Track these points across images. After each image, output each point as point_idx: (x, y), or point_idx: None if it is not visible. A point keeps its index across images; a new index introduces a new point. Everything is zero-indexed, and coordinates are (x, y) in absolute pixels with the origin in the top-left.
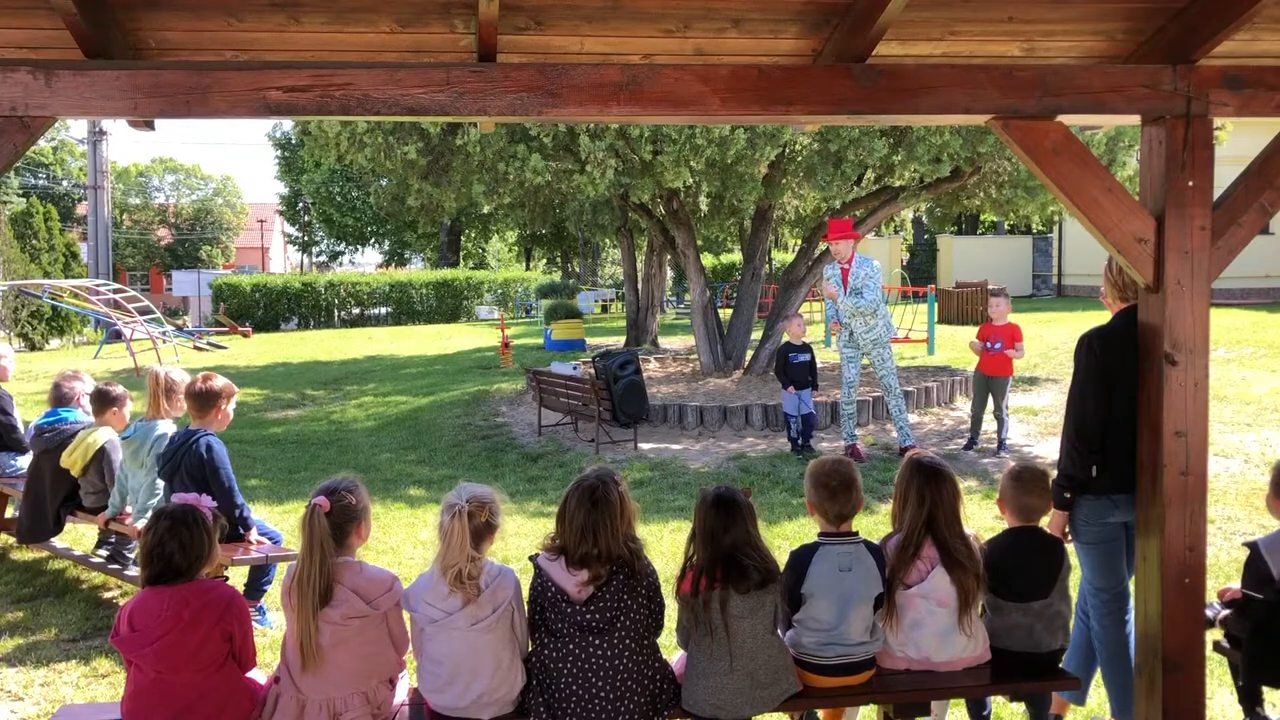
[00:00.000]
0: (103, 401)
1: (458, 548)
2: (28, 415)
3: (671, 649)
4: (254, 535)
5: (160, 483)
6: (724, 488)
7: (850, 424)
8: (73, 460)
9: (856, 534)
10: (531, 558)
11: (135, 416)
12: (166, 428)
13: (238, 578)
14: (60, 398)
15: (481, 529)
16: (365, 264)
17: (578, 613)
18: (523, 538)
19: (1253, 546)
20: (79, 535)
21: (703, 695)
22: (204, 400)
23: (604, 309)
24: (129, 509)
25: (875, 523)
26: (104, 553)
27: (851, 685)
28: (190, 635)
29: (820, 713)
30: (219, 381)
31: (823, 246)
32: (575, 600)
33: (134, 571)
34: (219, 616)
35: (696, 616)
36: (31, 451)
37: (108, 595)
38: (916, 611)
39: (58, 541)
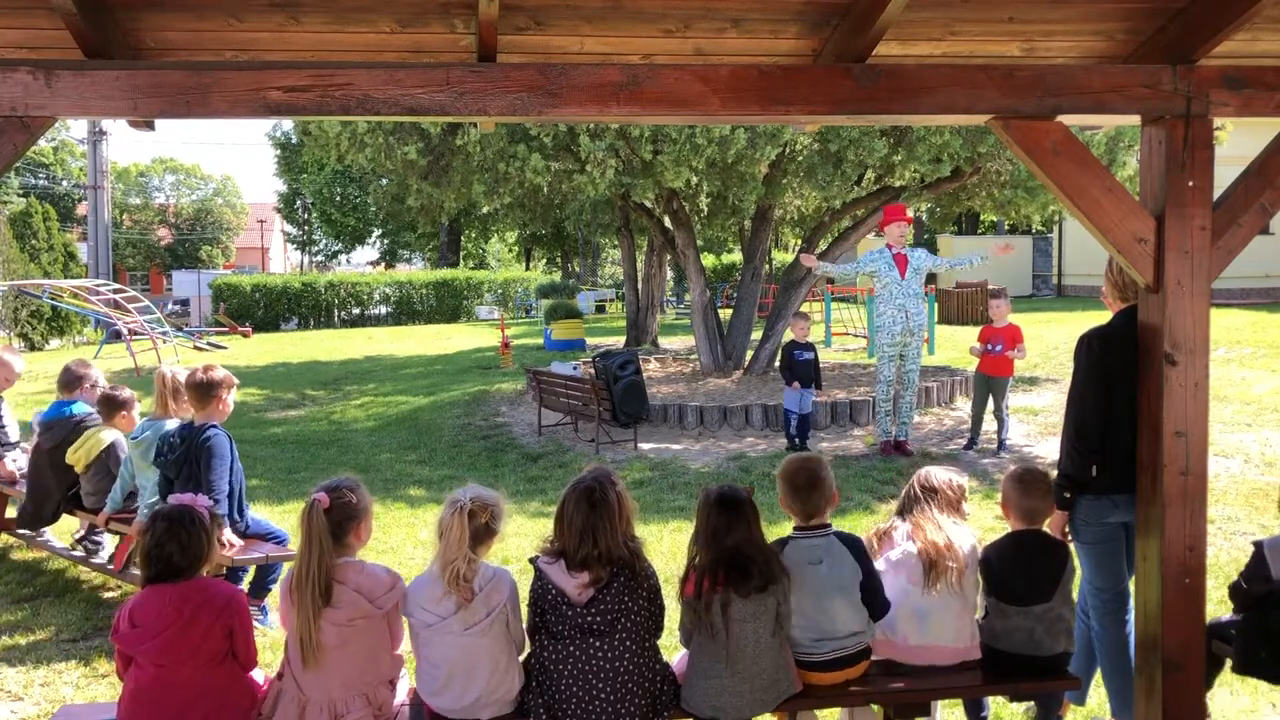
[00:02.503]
0: (111, 405)
1: (455, 544)
2: (25, 416)
3: (672, 649)
4: (226, 535)
5: None
6: (727, 487)
7: (886, 420)
8: (77, 457)
9: (828, 526)
10: (531, 560)
11: (144, 416)
12: (174, 427)
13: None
14: (66, 383)
15: (481, 530)
16: (358, 263)
17: (578, 615)
18: (523, 538)
19: (1258, 545)
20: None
21: (702, 696)
22: (204, 391)
23: (599, 309)
24: (137, 507)
25: (876, 522)
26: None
27: (850, 679)
28: (191, 631)
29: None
30: (219, 372)
31: (823, 246)
32: (576, 603)
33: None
34: (219, 612)
35: (699, 618)
36: (35, 442)
37: (108, 595)
38: (891, 591)
39: (58, 541)
